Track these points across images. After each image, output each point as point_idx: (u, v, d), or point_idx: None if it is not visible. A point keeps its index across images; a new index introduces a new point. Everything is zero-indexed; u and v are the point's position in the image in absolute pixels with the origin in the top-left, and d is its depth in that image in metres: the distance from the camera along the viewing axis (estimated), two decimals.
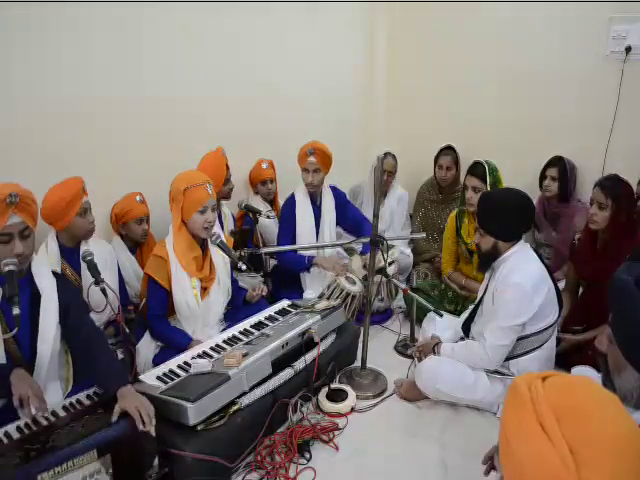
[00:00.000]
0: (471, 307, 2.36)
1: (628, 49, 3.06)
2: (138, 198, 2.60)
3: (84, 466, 1.45)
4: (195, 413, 1.70)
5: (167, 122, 2.79)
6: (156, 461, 1.61)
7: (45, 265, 1.85)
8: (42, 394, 1.61)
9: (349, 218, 3.14)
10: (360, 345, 2.46)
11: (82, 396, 1.72)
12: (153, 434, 1.57)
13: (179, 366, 1.98)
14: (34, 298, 1.74)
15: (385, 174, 3.48)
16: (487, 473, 1.42)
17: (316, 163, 2.89)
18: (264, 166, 3.23)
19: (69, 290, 1.85)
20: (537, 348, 2.09)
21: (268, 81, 3.34)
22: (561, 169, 3.16)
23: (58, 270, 2.09)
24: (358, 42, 4.05)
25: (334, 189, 3.12)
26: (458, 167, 3.55)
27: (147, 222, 2.66)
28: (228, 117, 3.11)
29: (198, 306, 2.28)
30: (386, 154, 3.47)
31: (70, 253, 2.24)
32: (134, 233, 2.62)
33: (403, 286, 2.62)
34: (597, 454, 0.72)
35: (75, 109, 2.40)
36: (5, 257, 1.61)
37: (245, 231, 3.11)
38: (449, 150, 3.54)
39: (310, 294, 2.91)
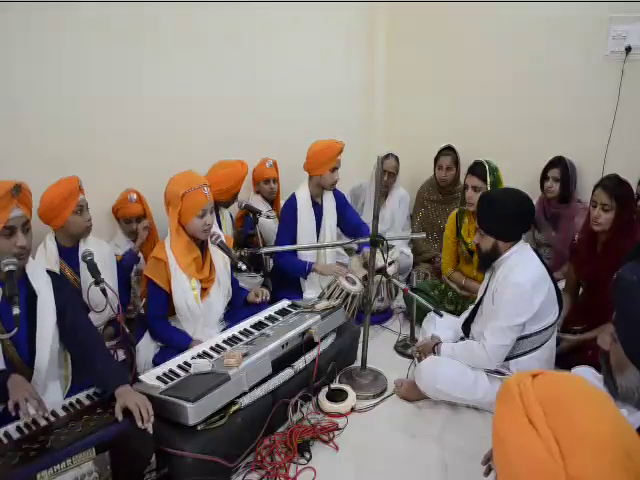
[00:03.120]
0: (471, 307, 2.36)
1: (628, 49, 3.06)
2: (130, 197, 2.56)
3: (83, 464, 1.45)
4: (195, 413, 1.70)
5: (167, 122, 2.79)
6: (153, 458, 1.62)
7: (40, 265, 1.85)
8: (39, 396, 1.61)
9: (347, 221, 3.14)
10: (360, 345, 2.46)
11: (82, 396, 1.73)
12: (150, 431, 1.58)
13: (179, 366, 1.98)
14: (30, 299, 1.73)
15: (386, 175, 3.49)
16: (487, 474, 1.42)
17: (340, 160, 2.92)
18: (268, 165, 3.23)
19: (65, 290, 1.84)
20: (537, 348, 2.09)
21: (268, 81, 3.34)
22: (563, 170, 3.16)
23: (57, 270, 2.09)
24: (358, 42, 4.05)
25: (334, 190, 3.12)
26: (458, 167, 3.55)
27: (144, 219, 2.63)
28: (228, 117, 3.11)
29: (198, 307, 2.28)
30: (388, 155, 3.48)
31: (69, 253, 2.24)
32: (124, 231, 2.64)
33: (403, 286, 2.62)
34: (582, 445, 0.73)
35: (75, 109, 2.41)
36: (9, 250, 1.62)
37: (250, 236, 3.11)
38: (449, 150, 3.53)
39: (310, 294, 2.91)
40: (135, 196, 2.58)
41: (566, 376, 0.85)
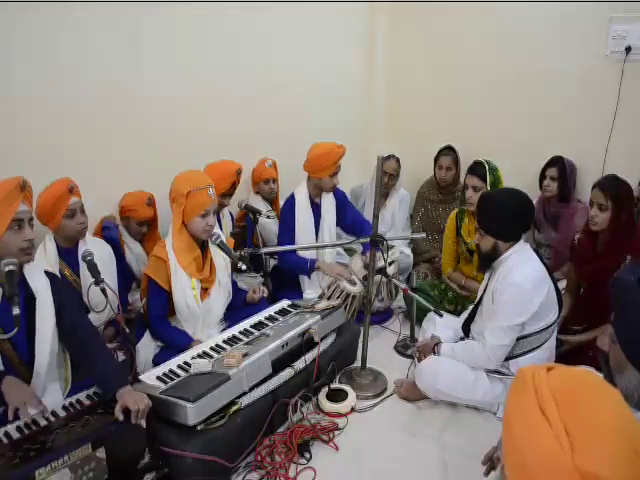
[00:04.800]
0: (471, 307, 2.36)
1: (628, 49, 3.06)
2: (148, 200, 2.61)
3: (79, 460, 1.46)
4: (195, 413, 1.70)
5: (167, 122, 2.79)
6: (146, 452, 1.64)
7: (38, 267, 1.84)
8: (37, 397, 1.62)
9: (348, 218, 3.13)
10: (360, 345, 2.46)
11: (82, 396, 1.73)
12: (144, 425, 1.60)
13: (179, 366, 1.98)
14: (28, 300, 1.73)
15: (387, 176, 3.48)
16: (487, 474, 1.42)
17: (340, 165, 2.91)
18: (267, 165, 3.23)
19: (63, 290, 1.84)
20: (537, 348, 2.10)
21: (268, 81, 3.33)
22: (561, 169, 3.16)
23: (56, 271, 2.09)
24: (358, 42, 4.05)
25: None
26: (458, 167, 3.54)
27: (151, 224, 2.68)
28: (228, 117, 3.11)
29: (198, 307, 2.28)
30: (389, 157, 3.47)
31: (68, 254, 2.23)
32: (132, 231, 2.66)
33: (403, 286, 2.62)
34: (593, 439, 0.74)
35: (75, 109, 2.41)
36: (17, 245, 1.63)
37: (242, 228, 3.11)
38: (449, 150, 3.53)
39: (310, 294, 2.91)
40: (150, 200, 2.62)
41: (581, 371, 0.86)
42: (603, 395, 0.80)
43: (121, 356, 2.17)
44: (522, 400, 0.82)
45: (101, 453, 1.51)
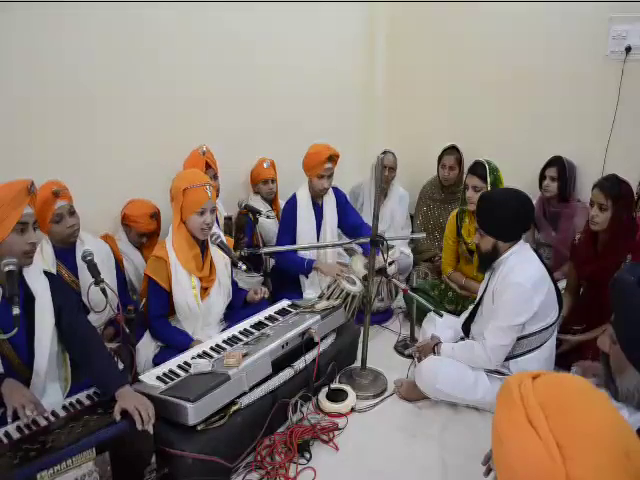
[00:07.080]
0: (471, 307, 2.36)
1: (628, 49, 3.06)
2: (152, 214, 2.61)
3: (83, 464, 1.45)
4: (195, 413, 1.70)
5: (167, 122, 2.79)
6: (153, 458, 1.62)
7: (37, 267, 1.83)
8: (36, 399, 1.61)
9: (348, 221, 3.13)
10: (360, 345, 2.46)
11: (82, 396, 1.73)
12: (151, 432, 1.58)
13: (179, 366, 1.98)
14: (28, 301, 1.72)
15: (386, 170, 3.49)
16: (487, 474, 1.42)
17: (332, 167, 2.89)
18: (265, 165, 3.23)
19: (62, 291, 1.84)
20: (537, 348, 2.10)
21: (268, 81, 3.33)
22: (560, 169, 3.16)
23: (54, 272, 2.08)
24: (358, 42, 4.05)
25: (335, 190, 3.12)
26: (461, 167, 3.54)
27: (151, 236, 2.68)
28: (228, 117, 3.11)
29: (198, 306, 2.28)
30: (385, 152, 3.49)
31: (65, 255, 2.22)
32: (131, 238, 2.66)
33: (403, 286, 2.62)
34: (583, 448, 0.73)
35: (75, 110, 2.40)
36: (19, 247, 1.62)
37: (241, 214, 3.11)
38: (453, 150, 3.53)
39: (310, 294, 2.91)
40: (156, 214, 2.63)
41: (566, 378, 0.85)
42: (591, 400, 0.79)
43: (120, 364, 2.16)
44: (509, 413, 0.81)
45: (105, 458, 1.50)
